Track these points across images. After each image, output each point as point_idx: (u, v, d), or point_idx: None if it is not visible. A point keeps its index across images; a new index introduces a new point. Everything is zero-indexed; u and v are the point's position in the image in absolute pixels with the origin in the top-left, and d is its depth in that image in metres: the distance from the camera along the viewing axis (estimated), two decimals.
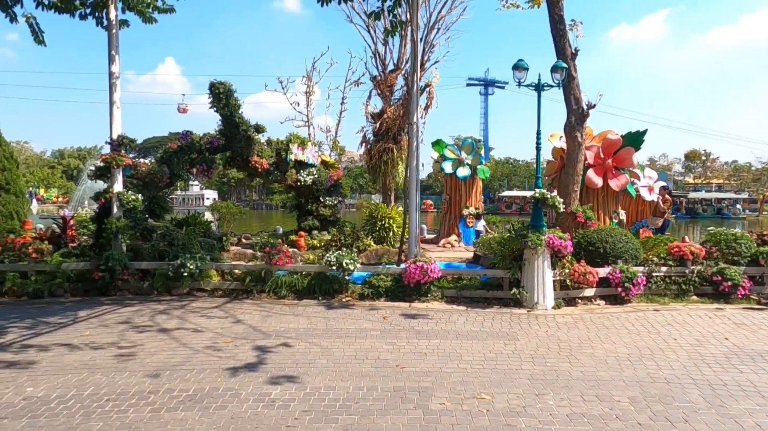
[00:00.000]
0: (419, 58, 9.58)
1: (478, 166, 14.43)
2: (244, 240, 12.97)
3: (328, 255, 9.10)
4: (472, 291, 8.92)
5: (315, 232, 13.04)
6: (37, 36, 10.80)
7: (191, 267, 9.01)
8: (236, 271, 9.58)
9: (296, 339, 6.41)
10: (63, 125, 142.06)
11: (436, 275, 8.78)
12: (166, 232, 10.17)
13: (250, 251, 11.39)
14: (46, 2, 10.30)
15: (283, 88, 20.84)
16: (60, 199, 56.81)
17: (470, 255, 12.11)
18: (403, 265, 9.38)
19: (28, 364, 5.37)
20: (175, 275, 9.09)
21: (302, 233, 12.64)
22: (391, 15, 9.38)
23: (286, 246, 10.08)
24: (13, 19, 10.24)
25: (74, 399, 4.50)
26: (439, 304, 8.59)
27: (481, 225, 14.19)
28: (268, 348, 6.00)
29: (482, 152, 14.85)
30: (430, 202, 72.35)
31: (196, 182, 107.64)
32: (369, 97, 16.13)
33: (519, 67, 8.65)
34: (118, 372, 5.15)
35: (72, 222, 11.69)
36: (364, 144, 15.81)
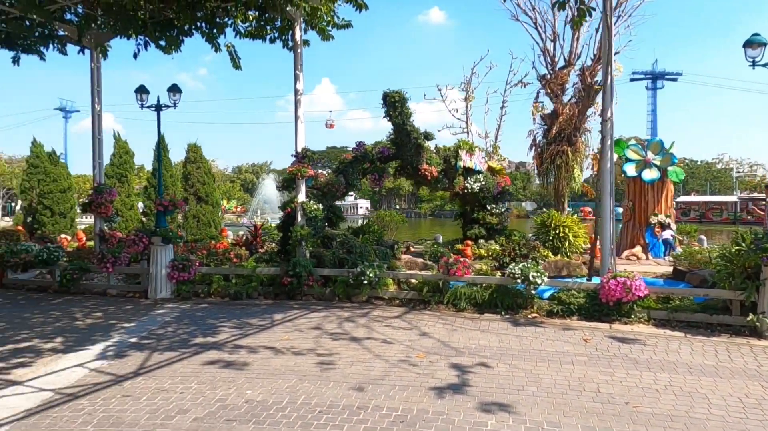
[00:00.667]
0: (612, 45, 8.46)
1: (669, 168, 12.55)
2: (412, 249, 12.90)
3: (511, 266, 8.44)
4: (688, 314, 7.50)
5: (481, 241, 12.45)
6: (235, 62, 11.97)
7: (371, 275, 9.05)
8: (412, 281, 9.42)
9: (492, 358, 5.87)
10: (239, 144, 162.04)
11: (642, 293, 7.58)
12: (345, 240, 10.45)
13: (420, 260, 11.22)
14: (243, 31, 11.39)
15: (441, 96, 20.70)
16: (238, 209, 64.50)
17: (662, 269, 10.45)
18: (596, 280, 8.32)
19: (242, 365, 5.65)
20: (355, 282, 9.23)
21: (468, 242, 12.15)
22: (578, 2, 8.49)
23: (455, 256, 9.67)
24: (217, 49, 11.49)
25: (290, 407, 4.52)
26: (647, 327, 7.37)
27: (669, 234, 12.29)
28: (465, 367, 5.56)
29: (674, 151, 12.89)
30: (588, 209, 67.07)
31: (352, 192, 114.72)
32: (537, 98, 15.11)
33: (753, 43, 7.08)
34: (323, 382, 5.14)
35: (259, 230, 12.72)
36: (534, 147, 14.80)
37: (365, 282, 9.09)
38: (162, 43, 11.65)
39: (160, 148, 9.75)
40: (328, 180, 11.33)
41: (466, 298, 8.65)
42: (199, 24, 11.07)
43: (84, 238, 16.45)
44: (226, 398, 4.74)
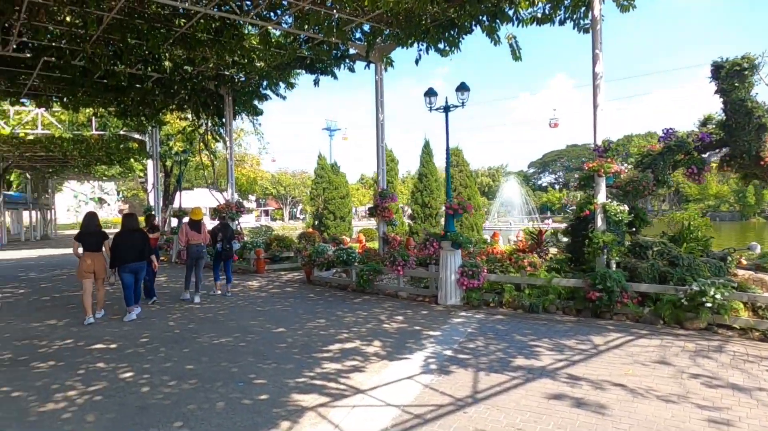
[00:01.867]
0: None
1: None
2: (744, 262, 10.00)
3: None
4: None
5: None
6: (515, 53, 11.10)
7: (715, 296, 6.99)
8: None
9: None
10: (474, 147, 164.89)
11: None
12: (664, 249, 8.52)
13: (766, 277, 8.47)
14: (527, 17, 10.44)
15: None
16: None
17: None
18: None
19: (599, 408, 4.54)
20: (690, 304, 7.28)
21: None
22: None
23: None
24: (496, 42, 10.81)
25: None
26: None
27: None
28: None
29: None
30: None
31: None
32: None
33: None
34: None
35: (543, 235, 11.57)
36: None
37: (706, 304, 7.07)
38: (441, 45, 11.60)
39: (449, 151, 9.45)
40: (632, 177, 9.49)
41: None
42: (480, 17, 10.59)
43: (364, 239, 17.99)
44: None
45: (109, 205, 76.63)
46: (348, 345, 6.82)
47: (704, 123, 10.23)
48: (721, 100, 8.97)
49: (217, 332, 7.67)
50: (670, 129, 9.98)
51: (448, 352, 6.40)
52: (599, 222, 9.12)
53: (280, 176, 74.36)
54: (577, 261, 9.81)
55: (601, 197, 9.16)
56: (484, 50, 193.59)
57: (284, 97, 16.44)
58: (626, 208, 9.09)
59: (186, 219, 11.00)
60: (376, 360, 6.13)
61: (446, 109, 9.63)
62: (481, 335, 7.26)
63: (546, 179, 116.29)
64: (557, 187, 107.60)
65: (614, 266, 8.71)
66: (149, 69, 14.35)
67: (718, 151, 10.01)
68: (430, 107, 9.79)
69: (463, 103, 9.45)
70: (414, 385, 5.23)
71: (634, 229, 9.70)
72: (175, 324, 8.26)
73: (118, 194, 75.14)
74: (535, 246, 10.91)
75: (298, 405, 4.74)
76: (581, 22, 10.06)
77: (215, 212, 16.62)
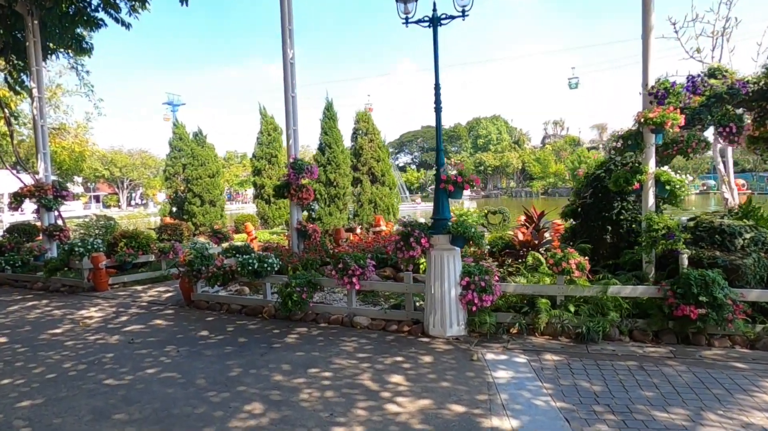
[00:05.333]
0: None
1: None
2: None
3: None
4: None
5: None
6: None
7: None
8: None
9: None
10: None
11: None
12: (759, 237, 5.98)
13: None
14: None
15: (675, 32, 15.31)
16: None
17: None
18: None
19: None
20: None
21: None
22: None
23: None
24: None
25: None
26: None
27: None
28: None
29: None
30: (741, 181, 56.59)
31: (455, 172, 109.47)
32: None
33: None
34: None
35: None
36: None
37: None
38: None
39: (439, 88, 5.71)
40: (675, 136, 6.90)
41: None
42: None
43: (253, 231, 13.49)
44: None
45: None
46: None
47: None
48: None
49: None
50: (696, 75, 7.62)
51: None
52: (650, 198, 6.37)
53: (114, 155, 62.66)
54: (595, 255, 7.04)
55: (652, 164, 6.40)
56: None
57: (128, 25, 11.06)
58: (688, 177, 6.48)
59: None
60: None
61: (434, 21, 5.95)
62: (592, 416, 3.89)
63: (403, 159, 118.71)
64: (413, 167, 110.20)
65: (686, 263, 6.00)
66: None
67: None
68: (406, 19, 6.03)
69: (463, 11, 5.87)
70: None
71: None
72: None
73: None
74: (533, 238, 7.84)
75: None
76: None
77: (16, 198, 10.68)
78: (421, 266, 8.28)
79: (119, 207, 65.57)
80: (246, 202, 70.54)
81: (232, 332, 6.60)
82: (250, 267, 7.24)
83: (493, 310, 6.13)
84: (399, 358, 5.34)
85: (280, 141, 18.74)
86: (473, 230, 5.86)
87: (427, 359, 5.30)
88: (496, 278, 6.20)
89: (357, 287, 6.68)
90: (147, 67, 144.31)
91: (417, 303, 6.67)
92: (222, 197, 18.73)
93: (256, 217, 18.32)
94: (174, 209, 19.09)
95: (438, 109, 6.13)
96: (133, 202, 75.54)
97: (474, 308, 5.92)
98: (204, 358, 5.56)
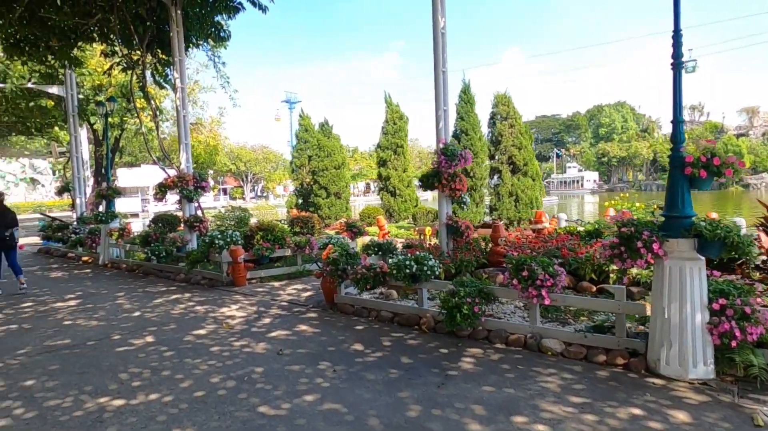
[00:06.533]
0: None
1: None
2: None
3: None
4: None
5: None
6: None
7: None
8: None
9: None
10: None
11: None
12: None
13: None
14: None
15: None
16: None
17: None
18: None
19: None
20: None
21: None
22: None
23: None
24: None
25: None
26: None
27: None
28: None
29: None
30: None
31: (574, 163, 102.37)
32: None
33: None
34: None
35: None
36: None
37: None
38: None
39: (678, 26, 4.11)
40: None
41: None
42: None
43: (385, 225, 12.59)
44: None
45: (43, 186, 67.57)
46: None
47: None
48: None
49: None
50: None
51: None
52: None
53: (240, 150, 66.96)
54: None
55: None
56: None
57: (265, 8, 10.57)
58: None
59: None
60: None
61: None
62: None
63: None
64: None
65: None
66: None
67: None
68: None
69: None
70: None
71: None
72: None
73: (54, 173, 66.01)
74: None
75: None
76: None
77: (161, 189, 10.73)
78: (611, 276, 6.61)
79: (243, 199, 70.07)
80: (357, 195, 71.58)
81: (390, 348, 5.52)
82: (407, 270, 6.12)
83: (756, 346, 4.36)
84: (635, 410, 3.83)
85: (405, 130, 17.73)
86: (737, 234, 4.13)
87: (681, 417, 3.72)
88: (758, 300, 4.41)
89: (547, 302, 5.24)
90: (257, 63, 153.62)
91: (630, 329, 5.07)
92: (347, 189, 18.23)
93: (381, 210, 17.55)
94: (300, 201, 18.98)
95: (678, 64, 4.45)
96: (259, 195, 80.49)
97: (733, 343, 4.20)
98: (367, 384, 4.51)
